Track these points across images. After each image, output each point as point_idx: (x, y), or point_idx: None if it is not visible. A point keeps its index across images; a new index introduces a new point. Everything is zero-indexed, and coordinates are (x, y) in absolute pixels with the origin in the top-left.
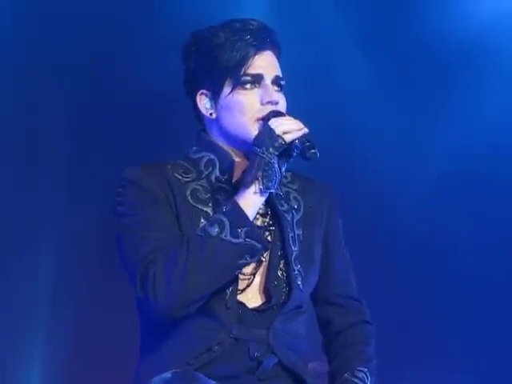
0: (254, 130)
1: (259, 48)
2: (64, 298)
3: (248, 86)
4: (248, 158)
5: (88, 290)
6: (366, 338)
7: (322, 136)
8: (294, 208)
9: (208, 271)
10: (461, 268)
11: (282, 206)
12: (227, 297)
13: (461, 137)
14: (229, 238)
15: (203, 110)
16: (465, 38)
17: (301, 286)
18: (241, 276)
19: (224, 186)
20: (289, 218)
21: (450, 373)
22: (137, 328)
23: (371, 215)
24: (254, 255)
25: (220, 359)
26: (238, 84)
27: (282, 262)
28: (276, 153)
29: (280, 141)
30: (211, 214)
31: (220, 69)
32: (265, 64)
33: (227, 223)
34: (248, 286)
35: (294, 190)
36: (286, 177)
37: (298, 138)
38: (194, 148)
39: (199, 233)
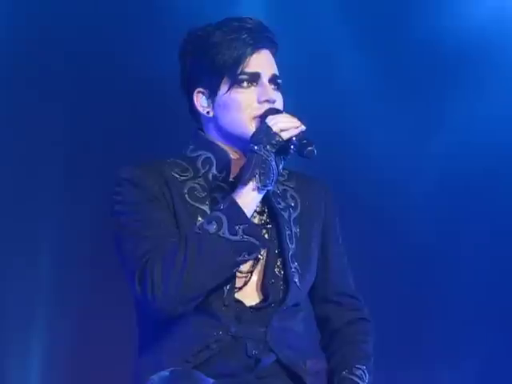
0: (251, 128)
1: (256, 47)
2: (62, 298)
3: (245, 84)
4: (245, 156)
5: (86, 289)
6: (364, 335)
7: (321, 135)
8: (291, 206)
9: (206, 268)
10: (461, 268)
11: (279, 203)
12: (225, 295)
13: (461, 137)
14: (227, 235)
15: (200, 109)
16: (465, 38)
17: (298, 284)
18: (238, 274)
19: (221, 184)
20: (286, 216)
21: (451, 372)
22: (135, 326)
23: (371, 215)
24: (251, 252)
25: (218, 357)
26: (235, 82)
27: (279, 259)
28: (273, 150)
29: (277, 138)
30: (208, 212)
31: (217, 67)
32: (262, 63)
33: (225, 220)
34: (245, 284)
35: (291, 187)
36: (282, 175)
37: (295, 136)
38: (191, 147)
39: (197, 230)
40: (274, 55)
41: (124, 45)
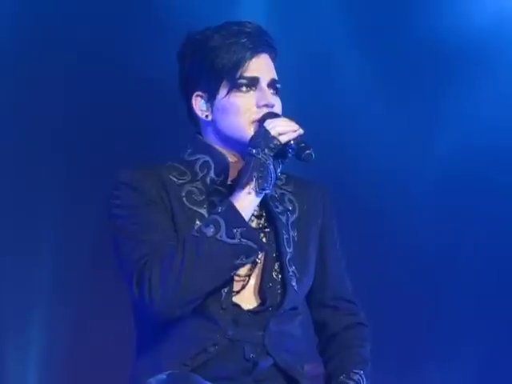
0: (249, 132)
1: (255, 51)
2: (61, 299)
3: (244, 88)
4: (243, 160)
5: (85, 291)
6: (361, 340)
7: (321, 137)
8: (289, 210)
9: (204, 272)
10: (461, 269)
11: (277, 207)
12: (222, 298)
13: (461, 138)
14: (224, 238)
15: (199, 112)
16: (466, 39)
17: (295, 288)
18: (236, 277)
19: (219, 187)
20: (284, 220)
21: (451, 374)
22: (133, 329)
23: (370, 217)
24: (249, 256)
25: (215, 360)
26: (234, 87)
27: (276, 263)
28: (271, 154)
29: (275, 142)
30: (206, 215)
31: (216, 71)
32: (261, 67)
33: (223, 224)
34: (243, 287)
35: (289, 191)
36: (280, 179)
37: (293, 139)
38: (189, 150)
39: (195, 233)
40: (274, 60)
41: (124, 46)
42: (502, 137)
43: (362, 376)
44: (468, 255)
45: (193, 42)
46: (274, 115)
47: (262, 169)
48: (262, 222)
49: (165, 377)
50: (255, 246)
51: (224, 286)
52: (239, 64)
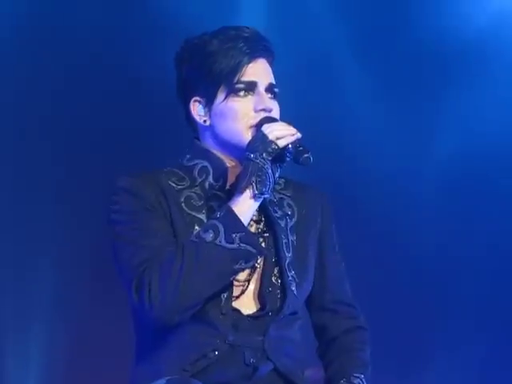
0: (247, 137)
1: (253, 56)
2: (62, 303)
3: (242, 93)
4: (242, 165)
5: (85, 296)
6: (361, 343)
7: (320, 140)
8: (288, 214)
9: (203, 277)
10: (461, 270)
11: (276, 212)
12: (222, 303)
13: (461, 139)
14: (223, 243)
15: (197, 117)
16: (465, 39)
17: (295, 292)
18: (235, 283)
19: (218, 192)
20: (282, 225)
21: (451, 374)
22: (133, 335)
23: (371, 219)
24: (248, 260)
25: (216, 366)
26: (232, 91)
27: (276, 268)
28: (269, 158)
29: (273, 146)
30: (205, 220)
31: (214, 76)
32: (258, 72)
33: (222, 229)
34: (242, 292)
35: (288, 196)
36: (279, 183)
37: (291, 143)
38: (188, 156)
39: (194, 239)
40: (271, 64)
41: (123, 51)
42: (502, 137)
43: (363, 380)
44: (468, 256)
45: (190, 46)
46: (272, 120)
47: (260, 173)
48: (261, 226)
49: (164, 382)
50: (254, 251)
51: (223, 292)
52: (237, 69)
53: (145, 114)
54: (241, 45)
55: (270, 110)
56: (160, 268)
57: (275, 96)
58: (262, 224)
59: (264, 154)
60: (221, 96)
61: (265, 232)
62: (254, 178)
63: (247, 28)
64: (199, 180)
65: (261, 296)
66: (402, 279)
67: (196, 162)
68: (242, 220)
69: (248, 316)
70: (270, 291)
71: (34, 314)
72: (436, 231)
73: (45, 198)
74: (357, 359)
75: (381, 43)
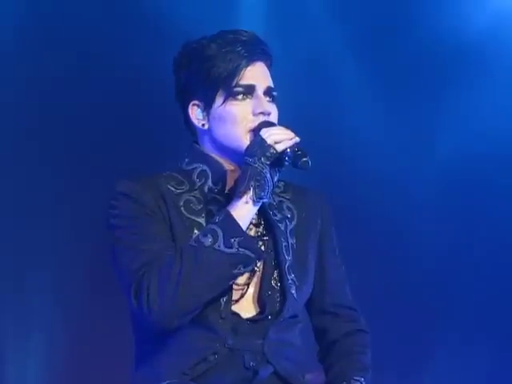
0: (246, 141)
1: (251, 59)
2: (62, 305)
3: (240, 96)
4: (240, 169)
5: (84, 300)
6: (362, 347)
7: (320, 142)
8: (288, 217)
9: (201, 281)
10: (462, 271)
11: (276, 215)
12: (221, 307)
13: (462, 139)
14: (222, 248)
15: (195, 121)
16: (465, 40)
17: (295, 295)
18: (235, 286)
19: (217, 196)
20: (282, 228)
21: (451, 375)
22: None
23: (371, 220)
24: (247, 265)
25: (215, 369)
26: (230, 95)
27: (275, 271)
28: (268, 162)
29: (271, 150)
30: (204, 224)
31: (212, 80)
32: (257, 75)
33: (220, 233)
34: (242, 296)
35: (287, 199)
36: (278, 186)
37: (289, 147)
38: (187, 160)
39: (192, 243)
40: (269, 67)
41: (124, 53)
42: (501, 137)
43: (363, 383)
44: (469, 256)
45: (188, 51)
46: (270, 124)
47: (258, 178)
48: (261, 230)
49: None
50: (253, 256)
51: (223, 295)
52: (235, 72)
53: (144, 118)
54: (239, 48)
55: (269, 114)
56: (159, 272)
57: (274, 99)
58: (261, 227)
59: (262, 159)
60: (219, 100)
61: (264, 235)
62: (252, 183)
63: (245, 32)
64: (198, 184)
65: (260, 299)
66: (402, 280)
67: (195, 165)
68: (241, 224)
69: (247, 320)
70: (269, 295)
71: (34, 318)
72: (436, 232)
73: (44, 204)
74: (357, 362)
75: (380, 44)
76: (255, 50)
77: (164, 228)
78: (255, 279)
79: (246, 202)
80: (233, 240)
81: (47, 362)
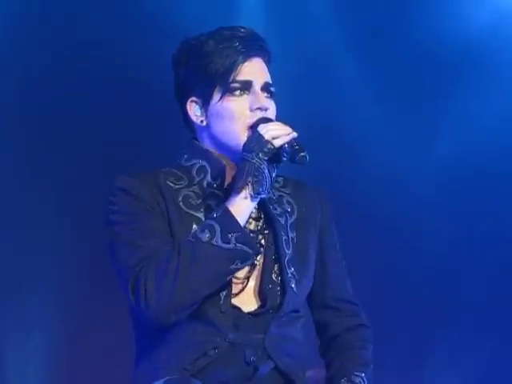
0: (243, 137)
1: (248, 55)
2: (62, 303)
3: (237, 92)
4: (238, 164)
5: (84, 297)
6: (363, 341)
7: (321, 139)
8: (288, 211)
9: (199, 276)
10: (462, 268)
11: (276, 209)
12: (221, 301)
13: (461, 139)
14: (220, 243)
15: (194, 118)
16: (465, 40)
17: (294, 289)
18: (234, 280)
19: (216, 191)
20: (282, 222)
21: (451, 377)
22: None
23: (371, 218)
24: (244, 260)
25: (216, 364)
26: (228, 91)
27: (276, 265)
28: (265, 158)
29: (269, 146)
30: (203, 219)
31: (209, 76)
32: (254, 71)
33: (218, 229)
34: (242, 289)
35: (287, 194)
36: (278, 181)
37: (287, 143)
38: (186, 156)
39: (190, 238)
40: (267, 63)
41: (123, 51)
42: (504, 137)
43: (364, 378)
44: (469, 252)
45: (187, 48)
46: (268, 120)
47: (256, 173)
48: (261, 224)
49: (166, 382)
50: (250, 251)
51: (222, 289)
52: (231, 68)
53: (144, 115)
54: (236, 44)
55: (266, 109)
56: (156, 267)
57: (272, 95)
58: (261, 221)
59: (260, 154)
60: (216, 96)
61: (264, 229)
62: (250, 178)
63: (243, 28)
64: (197, 179)
65: (261, 293)
66: (402, 275)
67: (194, 161)
68: (239, 220)
69: (249, 314)
70: (270, 288)
71: (34, 318)
72: (436, 227)
73: (44, 204)
74: (358, 357)
75: (381, 43)
76: (252, 46)
77: (162, 224)
78: (256, 272)
79: (244, 198)
80: (230, 235)
81: (47, 361)
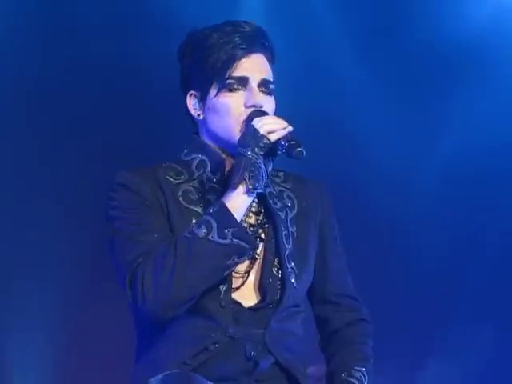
0: (237, 132)
1: (247, 51)
2: (63, 300)
3: (233, 88)
4: (235, 159)
5: (86, 294)
6: (363, 336)
7: (323, 137)
8: (288, 206)
9: (196, 272)
10: (464, 262)
11: (276, 204)
12: (221, 296)
13: (462, 137)
14: (216, 239)
15: (192, 111)
16: (466, 38)
17: (294, 284)
18: (235, 274)
19: (215, 186)
20: (282, 216)
21: (451, 374)
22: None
23: (371, 212)
24: (241, 255)
25: (216, 359)
26: (224, 86)
27: (276, 259)
28: (261, 153)
29: (265, 141)
30: (203, 214)
31: (207, 70)
32: (251, 67)
33: (214, 224)
34: (242, 284)
35: (288, 188)
36: (278, 176)
37: (282, 137)
38: (186, 150)
39: (187, 234)
40: (270, 60)
41: (125, 47)
42: (504, 135)
43: (364, 373)
44: (470, 248)
45: (192, 39)
46: (262, 113)
47: (252, 168)
48: (261, 218)
49: (166, 377)
50: (247, 246)
51: (222, 284)
52: (229, 63)
53: (146, 111)
54: (236, 39)
55: (261, 106)
56: (153, 263)
57: (270, 92)
58: (261, 215)
59: (256, 149)
60: (213, 91)
61: (265, 223)
62: (246, 174)
63: (246, 23)
64: (197, 174)
65: (261, 287)
66: (402, 271)
67: (194, 156)
68: (235, 215)
69: (249, 308)
70: (270, 282)
71: (34, 318)
72: (437, 222)
73: (44, 202)
74: (359, 352)
75: (382, 41)
76: (253, 42)
77: (161, 219)
78: (256, 267)
79: (241, 193)
80: (227, 231)
81: (48, 361)
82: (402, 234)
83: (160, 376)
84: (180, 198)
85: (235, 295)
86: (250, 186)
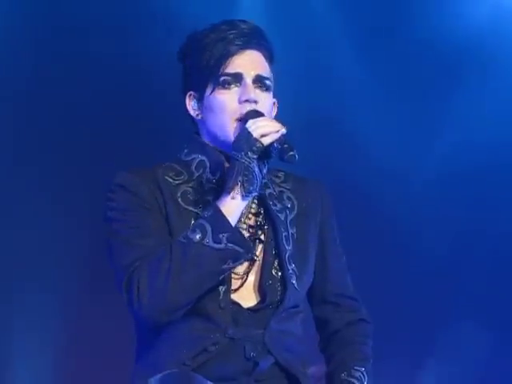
0: (232, 129)
1: (242, 47)
2: (63, 300)
3: (227, 85)
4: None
5: (85, 294)
6: (363, 337)
7: (323, 137)
8: (288, 207)
9: (191, 277)
10: (463, 260)
11: (275, 205)
12: (220, 297)
13: (462, 136)
14: (211, 243)
15: (192, 112)
16: (465, 38)
17: (295, 285)
18: (234, 275)
19: (215, 186)
20: (282, 218)
21: (451, 373)
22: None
23: (371, 212)
24: (236, 260)
25: (216, 360)
26: (218, 84)
27: (276, 261)
28: (255, 156)
29: (258, 144)
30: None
31: (203, 69)
32: (245, 63)
33: (209, 229)
34: (242, 285)
35: (288, 189)
36: (279, 176)
37: (275, 141)
38: (186, 150)
39: (181, 239)
40: (268, 58)
41: (124, 47)
42: (504, 135)
43: (364, 373)
44: (470, 245)
45: (191, 40)
46: (257, 114)
47: (246, 172)
48: (261, 219)
49: (165, 376)
50: (242, 250)
51: (222, 285)
52: (222, 60)
53: (147, 112)
54: (230, 37)
55: (255, 101)
56: (149, 268)
57: (267, 88)
58: (261, 217)
59: (249, 153)
60: (209, 89)
61: (264, 225)
62: (240, 178)
63: (244, 22)
64: (196, 174)
65: (261, 288)
66: (402, 270)
67: (193, 156)
68: (230, 220)
69: (248, 309)
70: (270, 284)
71: (34, 318)
72: (437, 221)
73: (43, 203)
74: (358, 352)
75: (382, 40)
76: (248, 39)
77: (159, 222)
78: (255, 268)
79: (235, 197)
80: (221, 235)
81: (48, 361)
82: (401, 234)
83: (159, 376)
84: (179, 199)
85: (234, 296)
86: (244, 190)
